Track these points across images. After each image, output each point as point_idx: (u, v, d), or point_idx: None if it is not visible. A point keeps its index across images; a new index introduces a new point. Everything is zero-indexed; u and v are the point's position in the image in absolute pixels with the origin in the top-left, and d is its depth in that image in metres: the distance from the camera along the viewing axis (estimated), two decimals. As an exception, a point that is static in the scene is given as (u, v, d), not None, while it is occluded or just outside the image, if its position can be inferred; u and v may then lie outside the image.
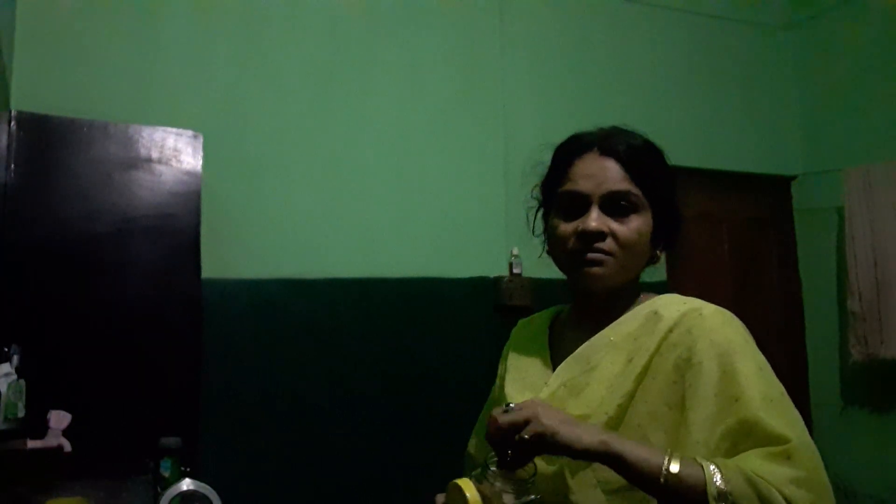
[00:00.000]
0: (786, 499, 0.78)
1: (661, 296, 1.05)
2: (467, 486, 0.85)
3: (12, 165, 2.02)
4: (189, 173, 2.24)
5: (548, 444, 0.83)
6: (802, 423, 0.87)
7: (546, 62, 3.27)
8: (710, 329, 0.93)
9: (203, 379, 2.24)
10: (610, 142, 1.02)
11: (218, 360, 2.48)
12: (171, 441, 1.80)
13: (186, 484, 1.48)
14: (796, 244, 3.77)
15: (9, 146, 2.03)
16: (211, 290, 2.43)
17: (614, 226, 0.99)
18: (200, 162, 2.27)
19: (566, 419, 0.85)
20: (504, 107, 3.13)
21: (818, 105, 3.71)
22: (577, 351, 1.02)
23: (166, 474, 1.75)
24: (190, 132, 2.27)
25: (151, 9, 2.62)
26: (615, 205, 0.99)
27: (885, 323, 3.16)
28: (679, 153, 3.73)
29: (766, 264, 3.73)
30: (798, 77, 3.80)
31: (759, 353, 0.93)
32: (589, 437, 0.83)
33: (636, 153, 1.01)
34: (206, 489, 1.46)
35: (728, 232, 3.64)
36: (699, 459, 0.82)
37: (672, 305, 0.99)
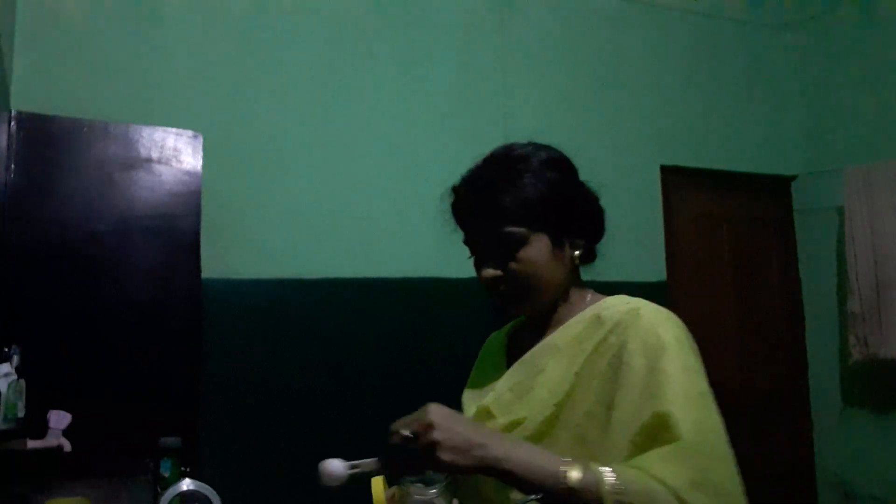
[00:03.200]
0: (681, 502, 0.78)
1: (608, 298, 1.05)
2: (376, 484, 0.89)
3: (12, 165, 2.02)
4: (189, 173, 2.24)
5: (439, 461, 0.81)
6: (715, 423, 0.87)
7: (546, 62, 3.27)
8: (644, 329, 0.93)
9: (203, 379, 2.24)
10: (476, 188, 1.02)
11: (218, 360, 2.48)
12: (171, 441, 1.80)
13: (186, 484, 1.48)
14: (796, 244, 3.77)
15: (9, 146, 2.03)
16: (211, 290, 2.43)
17: (509, 265, 0.99)
18: (200, 162, 2.27)
19: (463, 443, 0.81)
20: (504, 107, 3.13)
21: (818, 105, 3.71)
22: (524, 356, 1.03)
23: (166, 474, 1.75)
24: (190, 132, 2.27)
25: (151, 9, 2.62)
26: (501, 246, 0.99)
27: (885, 323, 3.16)
28: (679, 153, 3.73)
29: (766, 264, 3.73)
30: (798, 77, 3.80)
31: (692, 354, 0.92)
32: (483, 457, 0.81)
33: (504, 192, 0.99)
34: (206, 489, 1.46)
35: (728, 232, 3.64)
36: (595, 465, 0.81)
37: (614, 307, 1.00)
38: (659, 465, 0.81)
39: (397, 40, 2.99)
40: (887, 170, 3.23)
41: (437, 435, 0.81)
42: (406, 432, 0.83)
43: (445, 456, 0.80)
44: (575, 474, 0.79)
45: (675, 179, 3.50)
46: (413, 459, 0.84)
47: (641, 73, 3.46)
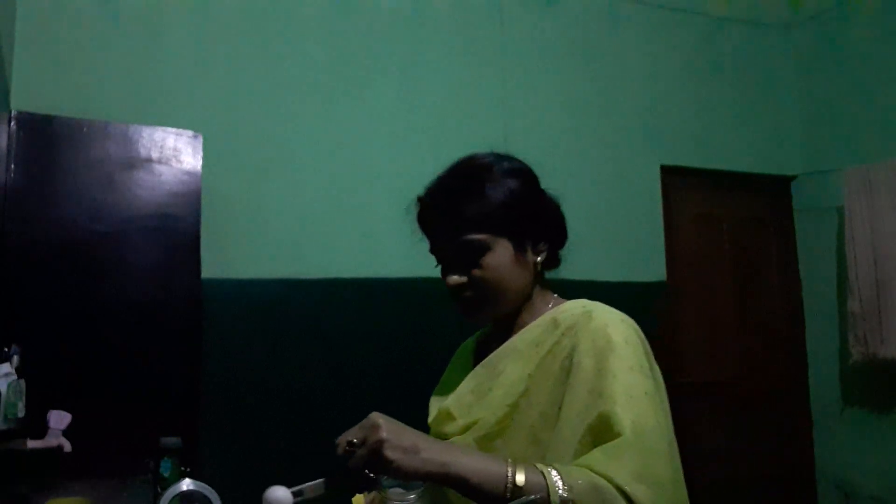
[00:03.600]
0: (625, 495, 0.79)
1: (568, 302, 1.06)
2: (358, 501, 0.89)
3: (12, 165, 2.02)
4: (189, 173, 2.24)
5: (384, 467, 0.82)
6: (656, 421, 0.88)
7: (546, 62, 3.27)
8: (594, 330, 0.95)
9: (203, 379, 2.24)
10: (439, 198, 1.05)
11: (218, 360, 2.48)
12: (171, 441, 1.80)
13: (186, 484, 1.48)
14: (796, 244, 3.77)
15: (9, 146, 2.03)
16: (211, 290, 2.43)
17: (473, 272, 1.01)
18: (200, 162, 2.27)
19: (401, 446, 0.82)
20: (504, 107, 3.13)
21: (818, 105, 3.71)
22: (486, 359, 1.05)
23: (166, 474, 1.75)
24: (190, 132, 2.27)
25: (151, 9, 2.62)
26: (465, 254, 1.01)
27: (885, 323, 3.16)
28: (679, 153, 3.73)
29: (766, 264, 3.73)
30: (798, 77, 3.80)
31: (641, 355, 0.94)
32: (425, 462, 0.82)
33: (466, 200, 1.01)
34: (206, 489, 1.46)
35: (728, 232, 3.64)
36: (541, 467, 0.82)
37: (570, 311, 1.02)
38: (602, 461, 0.82)
39: (397, 40, 2.99)
40: (887, 170, 3.23)
41: (383, 434, 0.82)
42: (351, 438, 0.84)
43: (392, 454, 0.81)
44: (521, 477, 0.80)
45: (675, 179, 3.50)
46: (361, 472, 0.83)
47: (641, 73, 3.46)
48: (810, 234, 3.71)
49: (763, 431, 3.53)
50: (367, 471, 0.83)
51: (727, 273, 3.60)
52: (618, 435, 0.84)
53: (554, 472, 0.81)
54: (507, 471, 0.81)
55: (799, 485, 3.56)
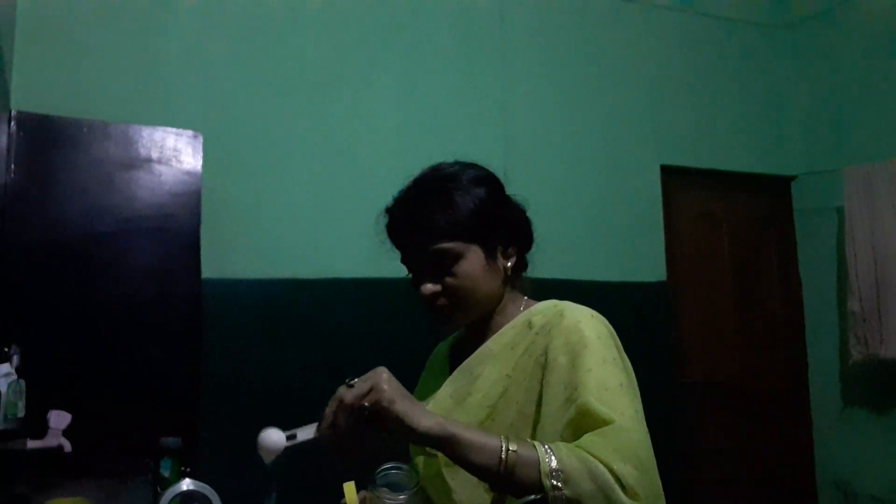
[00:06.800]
0: (613, 473, 0.81)
1: (540, 303, 1.08)
2: (349, 489, 0.93)
3: (12, 165, 2.02)
4: (189, 173, 2.24)
5: (386, 415, 0.84)
6: (634, 410, 0.91)
7: (546, 62, 3.27)
8: (567, 328, 0.97)
9: (203, 379, 2.24)
10: (408, 208, 1.07)
11: (218, 360, 2.48)
12: (171, 441, 1.80)
13: (186, 484, 1.48)
14: (796, 244, 3.77)
15: (9, 146, 2.03)
16: (211, 290, 2.43)
17: (446, 280, 1.03)
18: (200, 162, 2.26)
19: (407, 395, 0.86)
20: (504, 107, 3.13)
21: (818, 105, 3.71)
22: (463, 363, 1.07)
23: (166, 474, 1.75)
24: (190, 132, 2.27)
25: (151, 9, 2.62)
26: (437, 262, 1.03)
27: (885, 323, 3.16)
28: (679, 153, 3.73)
29: (766, 264, 3.73)
30: (798, 77, 3.80)
31: (613, 349, 0.97)
32: (427, 419, 0.84)
33: (436, 209, 1.03)
34: (206, 489, 1.46)
35: (728, 232, 3.64)
36: (531, 441, 0.86)
37: (543, 311, 1.04)
38: (588, 442, 0.85)
39: (397, 40, 2.99)
40: (887, 170, 3.23)
41: (386, 385, 0.85)
42: (352, 381, 0.86)
43: (399, 403, 0.83)
44: (514, 445, 0.83)
45: (675, 179, 3.50)
46: (357, 422, 0.84)
47: (641, 72, 3.46)
48: (810, 234, 3.70)
49: (763, 431, 3.53)
50: (365, 413, 0.84)
51: (727, 273, 3.60)
52: (601, 422, 0.87)
53: (546, 447, 0.83)
54: (501, 438, 0.84)
55: (799, 485, 3.56)
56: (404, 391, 0.87)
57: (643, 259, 3.32)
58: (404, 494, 0.91)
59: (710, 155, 3.57)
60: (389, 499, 0.91)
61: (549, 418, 0.93)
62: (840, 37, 3.62)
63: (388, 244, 1.12)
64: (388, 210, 1.12)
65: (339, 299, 2.75)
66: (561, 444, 0.85)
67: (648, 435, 0.91)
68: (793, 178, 3.80)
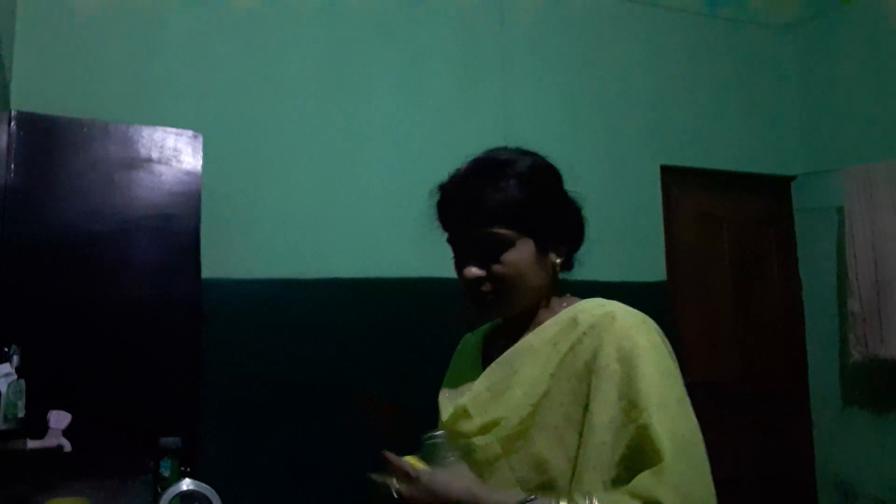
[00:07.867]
0: None
1: (585, 300, 1.06)
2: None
3: (12, 165, 2.02)
4: (189, 173, 2.24)
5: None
6: (690, 430, 0.90)
7: (546, 62, 3.27)
8: (619, 333, 0.94)
9: (203, 379, 2.24)
10: (465, 187, 1.03)
11: (218, 360, 2.48)
12: (171, 441, 1.80)
13: (186, 484, 1.49)
14: (796, 244, 3.77)
15: (9, 146, 2.02)
16: (211, 290, 2.43)
17: (493, 266, 1.00)
18: (200, 162, 2.26)
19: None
20: (504, 107, 3.13)
21: (818, 105, 3.71)
22: (501, 357, 1.04)
23: (166, 474, 1.75)
24: (190, 132, 2.27)
25: (151, 9, 2.62)
26: (486, 247, 1.00)
27: (885, 323, 3.16)
28: (679, 153, 3.72)
29: (766, 264, 3.73)
30: (798, 77, 3.80)
31: (667, 358, 0.95)
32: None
33: (493, 192, 1.00)
34: (206, 489, 1.46)
35: (728, 232, 3.64)
36: (577, 497, 0.85)
37: (589, 310, 1.01)
38: (645, 485, 0.83)
39: (397, 40, 2.99)
40: (887, 170, 3.23)
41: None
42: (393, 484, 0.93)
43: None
44: None
45: (675, 179, 3.50)
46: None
47: (641, 73, 3.46)
48: (810, 234, 3.70)
49: (763, 431, 3.53)
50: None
51: (727, 273, 3.60)
52: (659, 454, 0.84)
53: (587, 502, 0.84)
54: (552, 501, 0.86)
55: (799, 485, 3.56)
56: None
57: (643, 259, 3.32)
58: (452, 456, 0.95)
59: (710, 155, 3.57)
60: (444, 456, 0.95)
61: (600, 429, 0.90)
62: (840, 37, 3.62)
63: (434, 224, 1.08)
64: (441, 187, 1.07)
65: (339, 299, 2.75)
66: (616, 497, 0.84)
67: (705, 453, 0.89)
68: (793, 178, 3.80)
